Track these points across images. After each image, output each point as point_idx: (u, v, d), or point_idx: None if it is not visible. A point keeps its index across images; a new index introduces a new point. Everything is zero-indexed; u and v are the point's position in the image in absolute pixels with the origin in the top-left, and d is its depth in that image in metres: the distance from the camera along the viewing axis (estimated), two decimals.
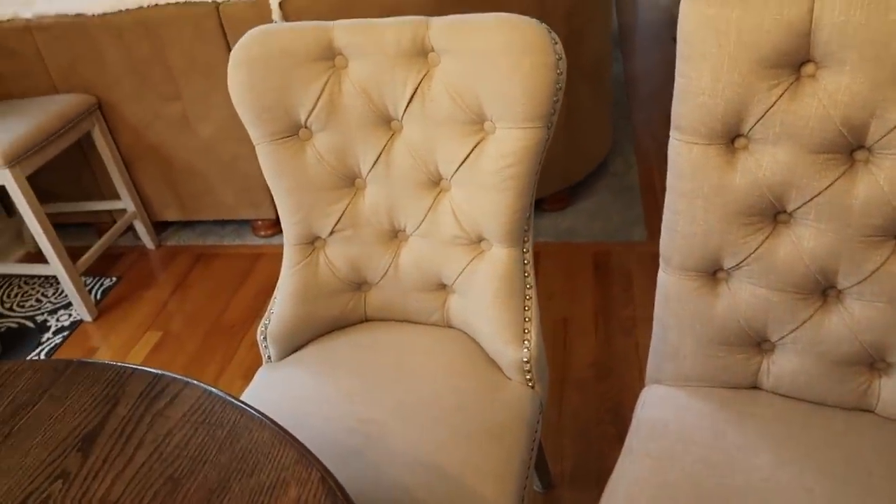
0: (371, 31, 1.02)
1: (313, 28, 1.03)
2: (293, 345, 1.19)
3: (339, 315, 1.21)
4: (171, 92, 2.17)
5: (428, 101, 1.02)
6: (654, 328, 1.03)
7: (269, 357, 1.20)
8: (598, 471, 1.50)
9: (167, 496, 0.67)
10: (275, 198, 1.14)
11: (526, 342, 1.08)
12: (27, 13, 2.10)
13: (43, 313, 2.24)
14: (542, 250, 2.20)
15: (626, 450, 0.95)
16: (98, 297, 2.28)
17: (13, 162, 1.89)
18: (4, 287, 2.40)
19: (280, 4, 1.91)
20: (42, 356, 2.05)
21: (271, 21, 1.94)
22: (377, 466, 0.93)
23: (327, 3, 1.89)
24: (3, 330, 2.19)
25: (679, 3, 0.81)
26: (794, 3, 0.75)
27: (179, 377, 0.80)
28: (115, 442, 0.74)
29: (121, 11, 2.03)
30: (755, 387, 1.00)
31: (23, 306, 2.29)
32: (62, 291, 2.32)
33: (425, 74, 1.02)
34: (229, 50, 2.03)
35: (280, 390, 1.09)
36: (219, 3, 1.97)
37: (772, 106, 0.80)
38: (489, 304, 1.09)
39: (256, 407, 1.05)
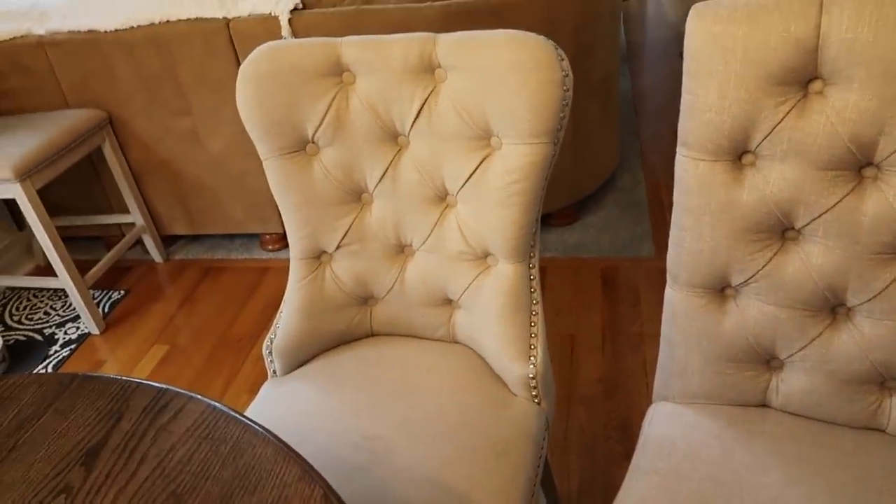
0: (379, 47, 1.02)
1: (321, 44, 1.04)
2: (299, 359, 1.19)
3: (345, 329, 1.20)
4: (181, 107, 2.19)
5: (435, 117, 1.03)
6: (662, 345, 1.02)
7: (274, 371, 1.20)
8: (605, 488, 1.48)
9: None
10: (282, 212, 1.14)
11: (532, 358, 1.08)
12: (40, 29, 2.13)
13: (51, 326, 2.24)
14: (550, 265, 2.20)
15: (634, 468, 0.94)
16: (106, 310, 2.29)
17: (24, 176, 1.91)
18: (13, 300, 2.42)
19: (289, 21, 1.93)
20: (49, 369, 2.05)
21: (281, 37, 1.96)
22: (382, 483, 0.93)
23: (337, 19, 1.91)
24: (11, 342, 2.20)
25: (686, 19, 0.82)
26: (801, 20, 0.75)
27: (183, 392, 0.80)
28: (119, 457, 0.73)
29: (132, 28, 2.05)
30: (764, 405, 0.99)
31: (31, 319, 2.30)
32: (70, 304, 2.34)
33: (432, 90, 1.02)
34: (239, 65, 2.05)
35: (285, 405, 1.09)
36: (229, 20, 1.99)
37: (779, 123, 0.80)
38: (495, 319, 1.08)
39: (261, 422, 1.04)
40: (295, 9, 1.93)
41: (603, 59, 2.16)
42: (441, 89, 1.02)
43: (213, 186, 2.35)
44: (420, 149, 1.06)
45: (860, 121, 0.76)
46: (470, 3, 1.86)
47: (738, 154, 0.84)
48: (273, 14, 1.94)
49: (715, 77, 0.80)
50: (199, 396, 0.79)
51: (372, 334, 1.23)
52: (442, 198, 1.09)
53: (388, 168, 1.09)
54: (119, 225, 2.52)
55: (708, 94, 0.81)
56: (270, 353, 1.18)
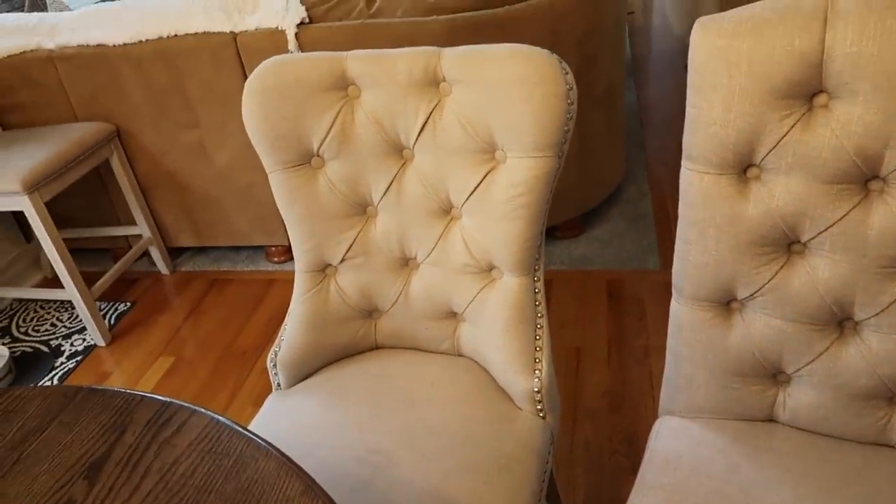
0: (384, 61, 1.03)
1: (327, 58, 1.05)
2: (303, 372, 1.19)
3: (350, 342, 1.20)
4: (188, 120, 2.20)
5: (439, 131, 1.03)
6: (667, 358, 1.01)
7: (278, 384, 1.20)
8: (611, 503, 1.47)
9: None
10: (287, 225, 1.14)
11: (537, 372, 1.07)
12: (50, 44, 2.15)
13: (57, 338, 2.25)
14: (555, 278, 2.19)
15: (640, 483, 0.94)
16: (112, 321, 2.30)
17: (32, 188, 1.93)
18: (21, 311, 2.43)
19: (296, 35, 1.94)
20: (55, 381, 2.06)
21: (287, 51, 1.97)
22: (384, 497, 0.92)
23: (343, 33, 1.93)
24: (17, 354, 2.20)
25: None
26: (806, 35, 0.75)
27: (187, 405, 0.80)
28: (122, 470, 0.73)
29: (141, 42, 2.07)
30: (771, 419, 0.98)
31: (38, 331, 2.30)
32: (77, 316, 2.34)
33: (437, 104, 1.03)
34: (246, 79, 2.07)
35: (289, 419, 1.09)
36: (236, 34, 2.01)
37: (784, 136, 0.80)
38: (499, 333, 1.08)
39: (264, 435, 1.04)
40: (301, 23, 1.95)
41: (607, 71, 2.16)
42: (446, 103, 1.02)
43: (220, 199, 2.36)
44: (425, 162, 1.06)
45: (865, 134, 0.76)
46: (475, 17, 1.87)
47: (743, 167, 0.84)
48: (280, 28, 1.96)
49: (719, 91, 0.80)
50: (203, 410, 0.79)
51: (376, 347, 1.23)
52: (446, 211, 1.09)
53: (392, 181, 1.09)
54: (126, 237, 2.53)
55: (712, 108, 0.81)
56: (275, 365, 1.18)
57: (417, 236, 1.12)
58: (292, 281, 2.37)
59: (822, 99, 0.78)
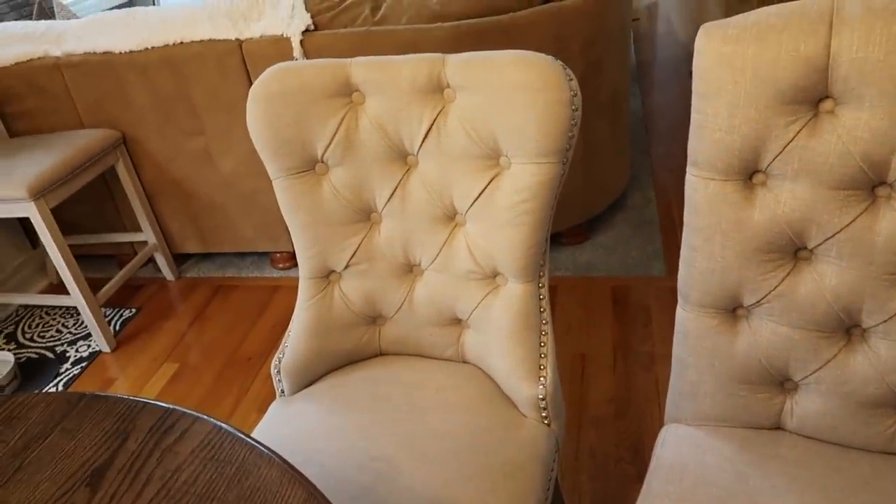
0: (388, 68, 1.03)
1: (331, 65, 1.05)
2: (307, 379, 1.19)
3: (354, 349, 1.20)
4: (194, 127, 2.21)
5: (443, 137, 1.03)
6: (673, 366, 1.01)
7: (282, 391, 1.20)
8: None
9: None
10: (291, 232, 1.14)
11: (541, 379, 1.07)
12: (57, 51, 2.16)
13: (62, 344, 2.25)
14: (560, 284, 2.19)
15: (646, 491, 0.93)
16: (117, 328, 2.30)
17: (38, 195, 1.93)
18: (26, 317, 2.43)
19: (301, 42, 1.95)
20: (60, 387, 2.06)
21: (293, 58, 1.98)
22: None
23: (348, 40, 1.93)
24: (23, 360, 2.21)
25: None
26: (811, 40, 0.74)
27: (190, 412, 0.80)
28: (124, 477, 0.73)
29: (147, 49, 2.08)
30: (778, 427, 0.98)
31: (43, 337, 2.31)
32: (82, 322, 2.35)
33: (441, 110, 1.02)
34: (251, 86, 2.07)
35: (292, 425, 1.08)
36: (241, 41, 2.02)
37: (790, 142, 0.79)
38: (504, 339, 1.08)
39: (267, 442, 1.04)
40: (306, 30, 1.96)
41: (612, 77, 2.16)
42: (450, 109, 1.02)
43: (225, 205, 2.37)
44: (429, 168, 1.06)
45: (872, 140, 0.75)
46: (479, 24, 1.87)
47: (749, 173, 0.83)
48: (285, 35, 1.96)
49: (724, 96, 0.80)
50: (206, 417, 0.79)
51: (380, 354, 1.23)
52: (451, 217, 1.09)
53: (396, 187, 1.09)
54: (131, 243, 2.53)
55: (717, 114, 0.81)
56: (279, 372, 1.18)
57: (421, 243, 1.11)
58: (297, 287, 2.37)
59: (827, 104, 0.77)
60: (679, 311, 0.96)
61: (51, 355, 2.21)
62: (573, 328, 1.99)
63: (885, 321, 0.83)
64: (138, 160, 2.33)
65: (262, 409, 1.87)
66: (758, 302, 0.89)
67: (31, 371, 2.15)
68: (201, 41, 2.04)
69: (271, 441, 1.06)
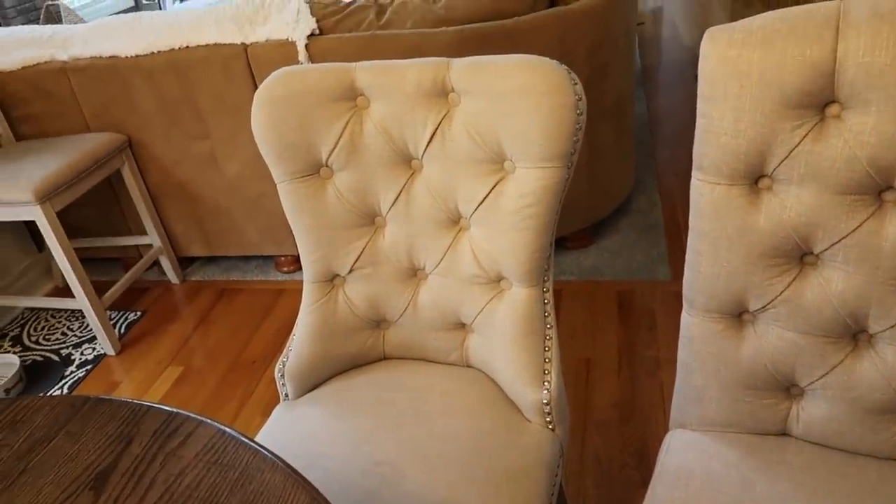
0: (392, 72, 1.03)
1: (336, 69, 1.05)
2: (311, 383, 1.18)
3: (358, 353, 1.20)
4: (199, 131, 2.22)
5: (448, 141, 1.03)
6: (678, 371, 1.00)
7: (286, 395, 1.20)
8: None
9: None
10: (295, 236, 1.14)
11: (546, 383, 1.06)
12: (63, 55, 2.17)
13: (68, 347, 2.26)
14: (565, 288, 2.18)
15: (650, 497, 0.92)
16: (122, 331, 2.30)
17: (44, 198, 1.94)
18: (32, 320, 2.44)
19: (306, 46, 1.95)
20: (65, 390, 2.06)
21: (298, 62, 1.98)
22: None
23: (353, 44, 1.93)
24: (28, 363, 2.21)
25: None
26: (817, 44, 0.74)
27: (194, 416, 0.80)
28: (128, 481, 0.73)
29: (153, 53, 2.09)
30: (784, 433, 0.97)
31: (48, 340, 2.31)
32: (87, 325, 2.35)
33: (445, 114, 1.02)
34: (256, 90, 2.08)
35: (296, 429, 1.08)
36: (247, 45, 2.02)
37: (796, 146, 0.79)
38: (508, 344, 1.07)
39: (271, 446, 1.04)
40: (312, 34, 1.96)
41: (617, 82, 2.16)
42: (454, 113, 1.02)
43: (230, 209, 2.37)
44: (433, 172, 1.06)
45: (879, 144, 0.75)
46: (484, 28, 1.87)
47: (755, 178, 0.83)
48: (290, 39, 1.97)
49: (730, 101, 0.80)
50: (209, 421, 0.79)
51: (384, 358, 1.22)
52: (455, 221, 1.09)
53: (401, 191, 1.09)
54: (137, 246, 2.54)
55: (723, 118, 0.81)
56: (283, 375, 1.18)
57: (426, 247, 1.11)
58: (301, 291, 2.37)
59: (834, 109, 0.77)
60: (684, 316, 0.96)
61: (56, 358, 2.21)
62: (578, 332, 1.99)
63: (892, 327, 0.83)
64: (144, 164, 2.34)
65: (266, 413, 1.87)
66: (764, 307, 0.89)
67: (37, 374, 2.15)
68: (207, 45, 2.05)
69: (275, 445, 1.06)
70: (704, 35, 0.81)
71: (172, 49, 2.08)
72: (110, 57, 2.13)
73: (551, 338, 1.09)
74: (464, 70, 1.00)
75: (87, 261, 2.72)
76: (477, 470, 0.97)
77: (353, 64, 1.05)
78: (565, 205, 2.18)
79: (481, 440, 1.02)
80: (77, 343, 2.27)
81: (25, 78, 2.21)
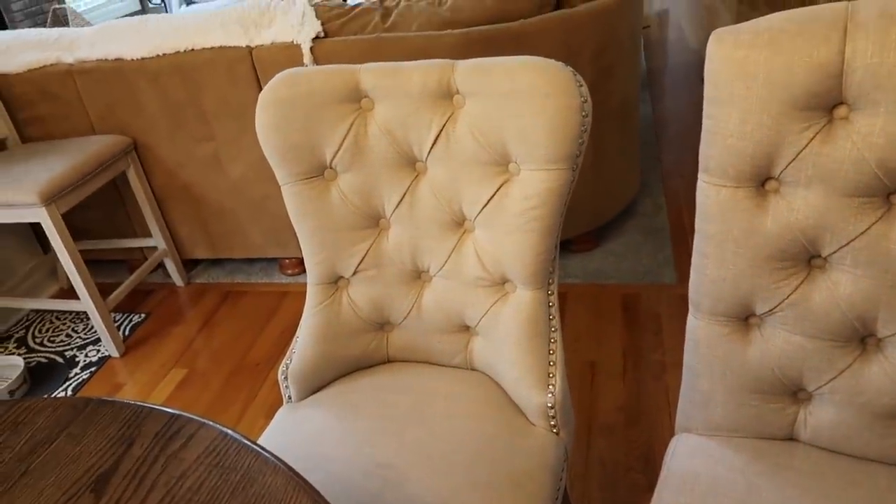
0: (397, 74, 1.03)
1: (340, 71, 1.05)
2: (314, 385, 1.18)
3: (361, 355, 1.19)
4: (204, 133, 2.22)
5: (452, 143, 1.02)
6: (684, 374, 0.99)
7: (289, 397, 1.19)
8: None
9: None
10: (299, 238, 1.14)
11: (550, 387, 1.06)
12: (69, 58, 2.18)
13: (72, 348, 2.26)
14: (570, 291, 2.17)
15: (656, 501, 0.91)
16: (126, 333, 2.31)
17: (49, 200, 1.94)
18: (36, 322, 2.44)
19: (311, 48, 1.95)
20: (69, 392, 2.07)
21: (303, 64, 1.98)
22: None
23: (358, 46, 1.93)
24: (32, 364, 2.21)
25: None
26: (825, 46, 0.73)
27: (196, 418, 0.79)
28: (129, 483, 0.72)
29: (158, 56, 2.09)
30: (791, 438, 0.96)
31: (53, 341, 2.32)
32: (92, 327, 2.35)
33: (450, 116, 1.02)
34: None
35: (299, 432, 1.08)
36: (252, 48, 2.03)
37: (803, 149, 0.78)
38: (513, 347, 1.07)
39: (273, 448, 1.03)
40: (317, 37, 1.96)
41: (623, 84, 2.15)
42: (459, 115, 1.02)
43: (234, 211, 2.37)
44: (438, 174, 1.06)
45: (888, 146, 0.74)
46: (489, 31, 1.87)
47: (762, 180, 0.82)
48: (295, 42, 1.97)
49: (736, 102, 0.79)
50: (211, 423, 0.78)
51: (388, 360, 1.22)
52: (459, 223, 1.08)
53: (405, 193, 1.08)
54: (141, 249, 2.54)
55: (729, 120, 0.80)
56: (286, 378, 1.17)
57: (430, 249, 1.11)
58: (305, 294, 2.36)
59: (842, 111, 0.76)
60: (690, 319, 0.95)
61: (60, 360, 2.21)
62: (583, 336, 1.98)
63: None
64: (149, 166, 2.34)
65: (270, 415, 1.87)
66: (770, 310, 0.88)
67: (41, 375, 2.15)
68: (212, 48, 2.05)
69: (278, 447, 1.05)
70: (711, 36, 0.80)
71: (178, 52, 2.08)
72: (116, 59, 2.14)
73: (556, 341, 1.08)
74: (469, 72, 0.99)
75: (92, 263, 2.73)
76: (480, 473, 0.96)
77: (358, 66, 1.05)
78: (570, 207, 2.18)
79: (485, 443, 1.01)
80: (81, 345, 2.27)
81: (31, 80, 2.22)
